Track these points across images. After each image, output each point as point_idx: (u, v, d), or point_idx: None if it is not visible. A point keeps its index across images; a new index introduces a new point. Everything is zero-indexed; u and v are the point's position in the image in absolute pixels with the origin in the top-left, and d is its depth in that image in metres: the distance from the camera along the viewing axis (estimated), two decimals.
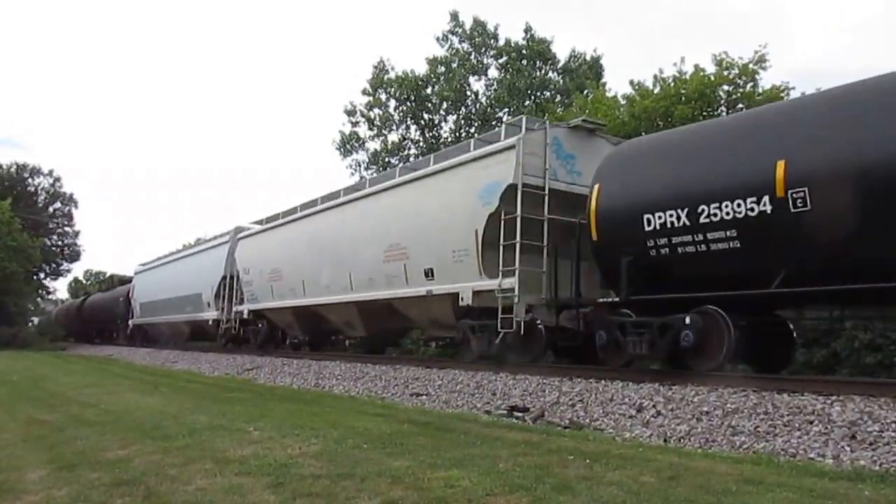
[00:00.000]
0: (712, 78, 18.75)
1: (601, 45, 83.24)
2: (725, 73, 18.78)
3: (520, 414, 8.89)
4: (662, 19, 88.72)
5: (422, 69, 31.66)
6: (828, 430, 6.48)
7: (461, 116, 31.32)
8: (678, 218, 9.29)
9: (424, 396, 11.15)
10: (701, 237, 9.11)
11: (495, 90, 30.57)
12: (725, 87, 18.83)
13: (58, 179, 63.60)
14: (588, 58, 30.97)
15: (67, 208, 64.11)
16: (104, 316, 43.06)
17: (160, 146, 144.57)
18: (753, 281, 8.67)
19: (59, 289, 73.29)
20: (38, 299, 61.21)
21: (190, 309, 27.27)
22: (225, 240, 25.08)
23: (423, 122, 32.07)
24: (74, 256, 64.34)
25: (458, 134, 30.70)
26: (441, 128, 32.35)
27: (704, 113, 17.95)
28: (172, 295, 29.00)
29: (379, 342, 20.03)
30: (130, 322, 36.22)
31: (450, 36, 31.75)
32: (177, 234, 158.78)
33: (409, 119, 32.10)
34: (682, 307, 9.43)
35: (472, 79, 31.39)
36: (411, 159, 32.72)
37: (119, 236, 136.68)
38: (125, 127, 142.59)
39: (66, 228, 63.66)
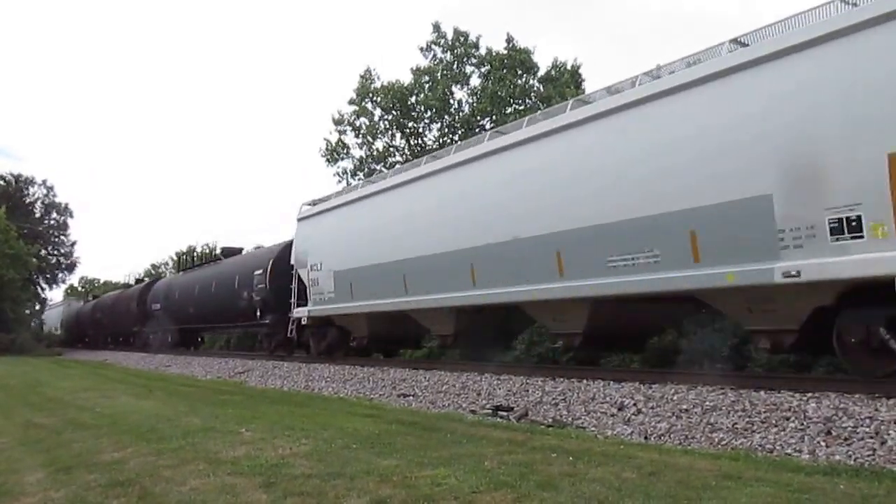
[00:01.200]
0: None
1: (580, 53, 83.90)
2: None
3: (504, 413, 8.97)
4: (640, 26, 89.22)
5: (407, 79, 31.85)
6: (804, 427, 6.57)
7: (445, 125, 31.44)
8: None
9: (411, 397, 11.24)
10: None
11: (478, 99, 30.73)
12: None
13: (52, 189, 63.57)
14: (569, 66, 31.19)
15: (63, 218, 63.89)
16: (198, 308, 26.18)
17: (149, 155, 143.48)
18: None
19: (55, 298, 71.96)
20: (37, 306, 60.50)
21: (656, 261, 9.38)
22: None
23: (407, 130, 32.22)
24: (70, 266, 64.07)
25: (441, 142, 30.85)
26: (425, 136, 32.51)
27: None
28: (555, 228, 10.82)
29: None
30: (301, 314, 18.49)
31: (432, 46, 31.91)
32: (167, 244, 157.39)
33: (394, 127, 32.24)
34: None
35: (454, 88, 31.49)
36: (397, 167, 32.91)
37: (109, 245, 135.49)
38: (117, 135, 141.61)
39: (62, 238, 63.47)
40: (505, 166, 12.02)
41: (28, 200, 61.00)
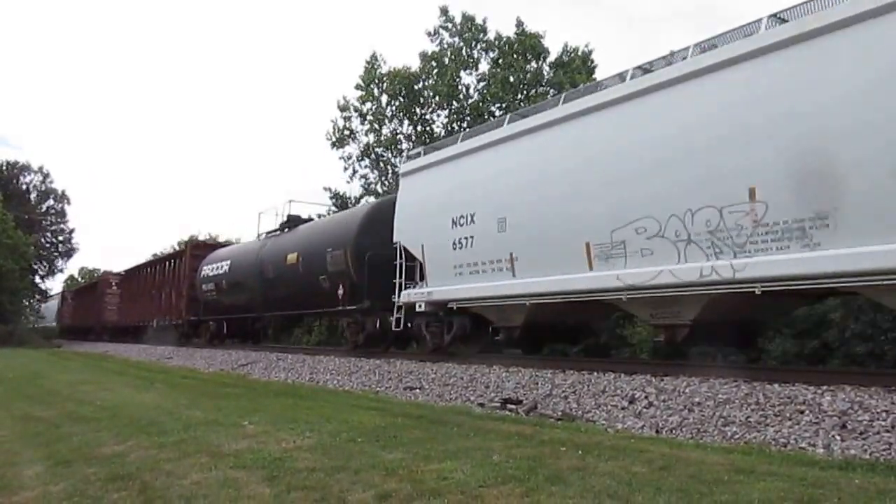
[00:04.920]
0: None
1: (592, 39, 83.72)
2: None
3: (513, 406, 8.89)
4: (653, 12, 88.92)
5: (414, 64, 31.62)
6: (818, 420, 6.50)
7: (453, 111, 31.21)
8: None
9: (418, 390, 11.15)
10: None
11: (487, 84, 30.49)
12: None
13: (47, 175, 63.34)
14: (580, 52, 30.89)
15: (60, 205, 63.81)
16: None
17: (148, 142, 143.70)
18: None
19: (55, 287, 71.57)
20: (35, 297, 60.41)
21: None
22: None
23: (415, 116, 32.04)
24: (69, 254, 64.03)
25: (450, 129, 30.63)
26: (433, 122, 32.31)
27: None
28: None
29: None
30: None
31: (440, 31, 31.66)
32: (167, 234, 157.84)
33: (401, 114, 32.05)
34: None
35: (463, 73, 31.20)
36: (405, 153, 32.72)
37: (109, 233, 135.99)
38: (116, 125, 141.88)
39: (60, 226, 63.41)
40: None
41: (24, 187, 60.88)
